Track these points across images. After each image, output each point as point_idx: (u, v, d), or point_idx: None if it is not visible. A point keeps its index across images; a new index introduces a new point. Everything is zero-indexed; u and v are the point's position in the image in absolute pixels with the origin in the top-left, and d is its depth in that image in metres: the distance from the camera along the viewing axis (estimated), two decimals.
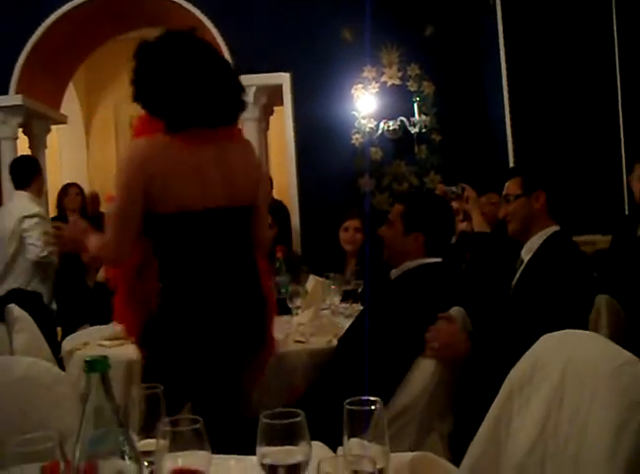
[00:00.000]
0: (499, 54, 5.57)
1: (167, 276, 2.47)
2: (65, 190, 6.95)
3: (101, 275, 4.48)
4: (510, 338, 2.63)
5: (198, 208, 2.39)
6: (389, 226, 2.93)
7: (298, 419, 1.24)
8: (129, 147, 2.44)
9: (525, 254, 3.16)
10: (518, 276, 3.06)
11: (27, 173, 5.27)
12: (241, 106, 2.59)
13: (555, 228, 3.14)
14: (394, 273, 2.89)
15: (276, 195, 7.10)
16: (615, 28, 5.07)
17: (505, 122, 5.58)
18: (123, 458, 1.09)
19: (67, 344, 3.47)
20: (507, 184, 3.28)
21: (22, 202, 5.08)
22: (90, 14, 6.47)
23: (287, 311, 3.54)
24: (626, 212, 5.02)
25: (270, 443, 1.25)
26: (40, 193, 5.36)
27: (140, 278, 2.57)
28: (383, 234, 2.94)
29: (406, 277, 2.83)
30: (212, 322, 2.41)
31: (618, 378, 1.69)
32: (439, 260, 2.85)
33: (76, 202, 6.89)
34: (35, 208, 5.04)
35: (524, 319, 2.74)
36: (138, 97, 2.45)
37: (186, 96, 2.38)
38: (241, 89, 2.60)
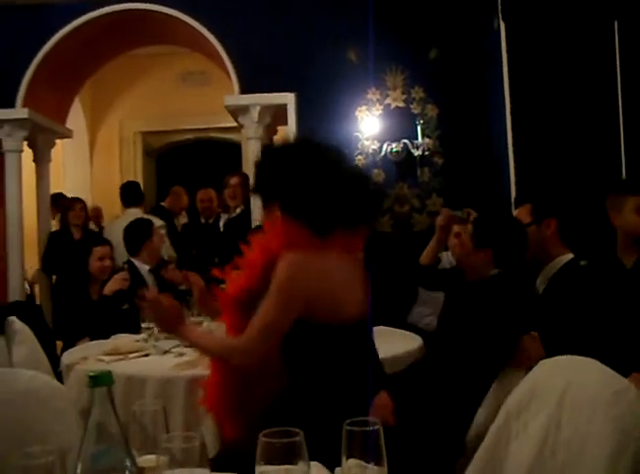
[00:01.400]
0: (502, 78, 5.60)
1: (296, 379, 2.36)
2: (71, 205, 7.00)
3: (109, 288, 4.48)
4: None
5: (352, 321, 2.36)
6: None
7: (297, 438, 1.25)
8: (288, 263, 2.28)
9: (540, 284, 3.17)
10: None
11: (137, 194, 6.57)
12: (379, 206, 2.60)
13: (569, 256, 3.15)
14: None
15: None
16: (618, 48, 5.11)
17: (507, 146, 5.59)
18: None
19: (66, 358, 3.47)
20: (516, 211, 3.30)
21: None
22: (97, 30, 6.52)
23: None
24: None
25: (268, 462, 1.26)
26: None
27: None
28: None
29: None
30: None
31: (615, 405, 1.70)
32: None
33: (80, 218, 6.94)
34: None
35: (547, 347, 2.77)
36: (284, 203, 2.37)
37: (333, 197, 2.32)
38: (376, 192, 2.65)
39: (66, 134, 7.52)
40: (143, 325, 3.58)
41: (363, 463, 1.22)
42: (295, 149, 2.47)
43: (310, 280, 2.27)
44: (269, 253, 2.38)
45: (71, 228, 6.87)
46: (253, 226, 5.65)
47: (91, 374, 1.06)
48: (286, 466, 1.25)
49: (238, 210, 6.14)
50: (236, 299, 2.46)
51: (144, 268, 4.80)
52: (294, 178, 2.34)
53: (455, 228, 3.81)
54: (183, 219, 7.68)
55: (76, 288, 4.67)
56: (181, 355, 3.33)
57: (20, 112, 6.37)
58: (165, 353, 3.40)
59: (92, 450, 1.07)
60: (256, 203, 6.19)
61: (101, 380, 1.06)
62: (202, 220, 7.01)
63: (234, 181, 6.23)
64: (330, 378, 2.31)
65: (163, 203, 7.74)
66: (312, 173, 2.32)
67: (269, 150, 2.55)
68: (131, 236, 4.89)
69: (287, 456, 1.25)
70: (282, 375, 2.34)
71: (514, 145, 5.55)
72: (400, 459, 1.78)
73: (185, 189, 7.84)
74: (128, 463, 1.10)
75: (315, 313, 2.29)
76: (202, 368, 3.04)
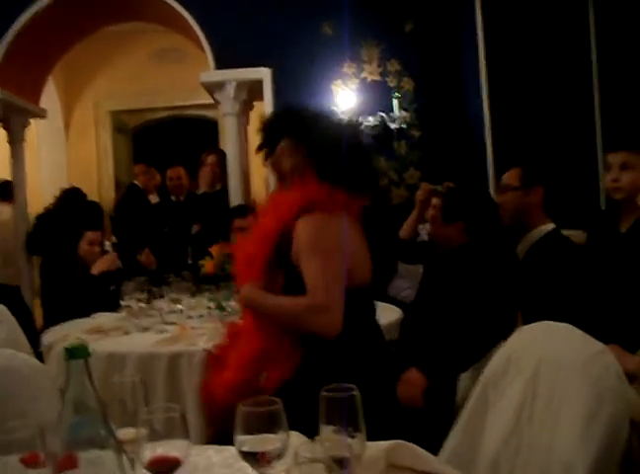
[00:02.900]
0: (478, 51, 5.60)
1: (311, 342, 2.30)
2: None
3: (97, 268, 4.47)
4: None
5: (366, 285, 2.38)
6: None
7: (277, 407, 1.26)
8: (313, 222, 2.24)
9: (521, 251, 3.20)
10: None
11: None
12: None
13: (551, 225, 3.17)
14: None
15: (255, 191, 7.11)
16: (593, 21, 5.12)
17: (484, 119, 5.61)
18: (104, 448, 1.10)
19: (47, 337, 3.46)
20: (505, 174, 3.31)
21: None
22: (69, 8, 6.42)
23: None
24: (603, 209, 5.08)
25: (248, 431, 1.27)
26: None
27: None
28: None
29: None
30: None
31: (590, 368, 1.72)
32: None
33: None
34: None
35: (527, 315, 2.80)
36: (320, 166, 2.33)
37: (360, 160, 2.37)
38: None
39: (40, 114, 7.43)
40: (123, 303, 3.57)
41: (342, 429, 1.22)
42: (318, 114, 2.47)
43: (335, 238, 2.26)
44: (282, 218, 2.32)
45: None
46: (231, 206, 5.64)
47: (67, 346, 1.06)
48: (266, 435, 1.26)
49: (218, 187, 6.10)
50: (250, 266, 2.39)
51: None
52: (331, 140, 2.34)
53: (434, 201, 3.82)
54: (155, 198, 7.64)
55: (62, 269, 4.65)
56: (161, 331, 3.33)
57: None
58: (145, 330, 3.40)
59: (70, 422, 1.06)
60: (233, 182, 6.18)
61: (77, 353, 1.06)
62: (173, 198, 7.01)
63: (211, 159, 6.19)
64: (352, 344, 2.27)
65: (136, 182, 7.68)
66: (343, 135, 2.34)
67: (293, 112, 2.50)
68: None
69: (267, 425, 1.26)
70: (295, 354, 2.30)
71: (491, 117, 5.57)
72: (390, 427, 1.80)
73: (155, 168, 7.81)
74: (108, 435, 1.10)
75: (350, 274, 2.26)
76: (184, 345, 3.05)
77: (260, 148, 2.51)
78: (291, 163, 2.39)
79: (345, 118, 2.55)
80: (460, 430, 1.96)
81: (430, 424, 2.57)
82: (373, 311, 2.45)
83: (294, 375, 2.25)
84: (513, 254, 3.26)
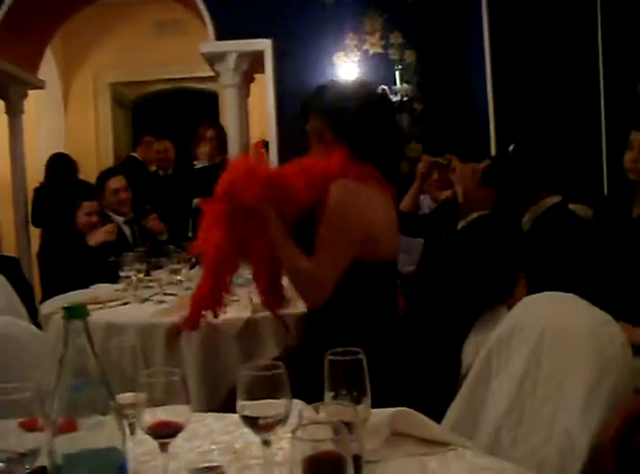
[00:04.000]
0: (482, 23, 5.54)
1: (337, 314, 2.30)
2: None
3: (95, 240, 4.44)
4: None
5: (392, 259, 2.39)
6: None
7: (279, 371, 1.24)
8: (344, 188, 2.24)
9: (526, 224, 3.20)
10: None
11: None
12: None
13: (557, 198, 3.16)
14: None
15: None
16: (599, 2, 5.06)
17: (486, 92, 5.56)
18: (103, 411, 1.08)
19: (45, 307, 3.45)
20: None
21: None
22: None
23: None
24: (605, 188, 5.05)
25: (250, 397, 1.25)
26: None
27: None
28: None
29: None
30: None
31: (594, 339, 1.71)
32: None
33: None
34: None
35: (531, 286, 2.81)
36: (349, 138, 2.32)
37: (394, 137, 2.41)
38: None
39: (38, 85, 7.37)
40: (122, 274, 3.55)
41: (348, 393, 1.21)
42: (360, 87, 2.50)
43: (365, 207, 2.26)
44: (316, 184, 2.28)
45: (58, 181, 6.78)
46: None
47: (65, 306, 1.03)
48: (269, 400, 1.25)
49: (217, 160, 6.06)
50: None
51: (119, 219, 4.76)
52: (369, 114, 2.34)
53: (436, 175, 3.80)
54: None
55: (61, 241, 4.62)
56: (160, 302, 3.32)
57: None
58: (144, 301, 3.38)
59: (69, 384, 1.04)
60: (233, 155, 6.13)
61: (76, 312, 1.03)
62: (161, 173, 6.98)
63: (210, 133, 6.15)
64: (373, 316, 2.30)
65: (134, 154, 7.61)
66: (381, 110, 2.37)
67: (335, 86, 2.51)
68: None
69: (270, 390, 1.24)
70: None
71: (493, 91, 5.51)
72: (396, 395, 1.78)
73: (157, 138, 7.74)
74: (107, 398, 1.08)
75: (367, 248, 2.26)
76: (182, 315, 3.03)
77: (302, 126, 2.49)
78: (322, 142, 2.38)
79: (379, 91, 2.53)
80: (464, 398, 1.95)
81: (434, 392, 2.57)
82: (394, 288, 2.45)
83: (302, 343, 2.26)
84: (517, 225, 3.25)
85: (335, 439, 0.91)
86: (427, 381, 2.56)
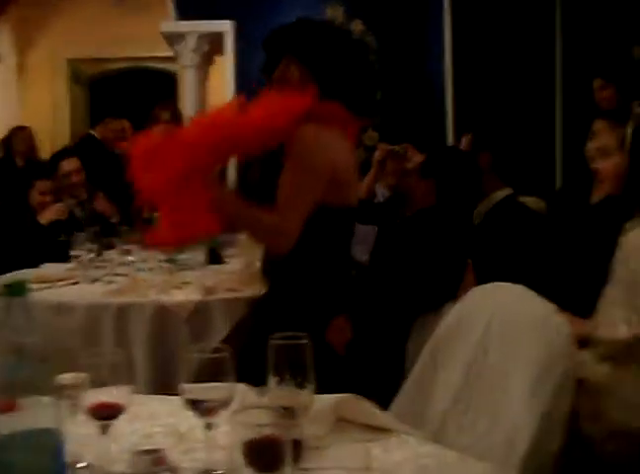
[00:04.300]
0: (442, 12, 5.56)
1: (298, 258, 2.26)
2: (16, 131, 6.73)
3: (46, 218, 4.36)
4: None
5: (353, 205, 2.35)
6: None
7: (224, 355, 1.23)
8: (312, 133, 2.19)
9: (476, 217, 3.21)
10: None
11: None
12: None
13: (506, 192, 3.18)
14: None
15: None
16: None
17: (445, 82, 5.59)
18: (42, 392, 1.06)
19: None
20: (462, 139, 3.34)
21: None
22: None
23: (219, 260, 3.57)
24: (557, 180, 5.12)
25: (194, 379, 1.24)
26: None
27: None
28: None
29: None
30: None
31: (541, 329, 1.73)
32: None
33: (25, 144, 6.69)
34: None
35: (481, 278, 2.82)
36: (321, 81, 2.25)
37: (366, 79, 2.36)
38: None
39: None
40: (73, 253, 3.50)
41: (291, 379, 1.20)
42: (332, 29, 2.46)
43: (331, 152, 2.22)
44: (278, 126, 2.17)
45: (15, 156, 6.65)
46: None
47: (6, 283, 1.01)
48: (212, 383, 1.24)
49: None
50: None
51: (71, 201, 4.69)
52: (334, 57, 2.29)
53: (391, 164, 3.81)
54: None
55: (12, 218, 4.53)
56: (110, 282, 3.28)
57: None
58: (95, 281, 3.33)
59: (8, 364, 1.02)
60: None
61: (17, 289, 1.01)
62: (117, 152, 6.89)
63: (165, 115, 6.07)
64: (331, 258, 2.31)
65: (93, 132, 7.47)
66: (347, 53, 2.32)
67: (295, 28, 2.39)
68: None
69: (213, 374, 1.23)
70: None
71: (453, 80, 5.54)
72: (342, 381, 1.79)
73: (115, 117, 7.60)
74: (48, 378, 1.06)
75: (332, 193, 2.22)
76: (133, 296, 3.00)
77: (263, 69, 2.41)
78: (294, 81, 2.29)
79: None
80: (411, 386, 1.96)
81: (381, 380, 2.59)
82: (351, 234, 2.44)
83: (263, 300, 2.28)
84: (468, 217, 3.27)
85: (275, 424, 0.91)
86: (373, 371, 2.59)
